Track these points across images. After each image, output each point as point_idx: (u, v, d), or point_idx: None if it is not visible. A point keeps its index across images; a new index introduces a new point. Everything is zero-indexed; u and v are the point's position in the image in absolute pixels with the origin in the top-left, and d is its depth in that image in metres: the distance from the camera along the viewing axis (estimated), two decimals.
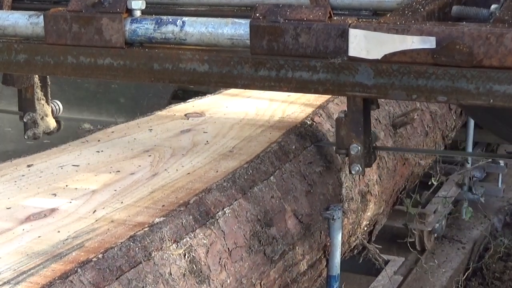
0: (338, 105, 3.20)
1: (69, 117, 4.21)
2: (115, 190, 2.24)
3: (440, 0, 2.15)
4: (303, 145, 2.76)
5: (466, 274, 4.66)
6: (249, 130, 2.85)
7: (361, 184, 3.06)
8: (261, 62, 2.02)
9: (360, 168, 2.21)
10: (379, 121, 3.36)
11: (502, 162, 5.28)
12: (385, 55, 1.89)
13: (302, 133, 2.83)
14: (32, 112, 2.85)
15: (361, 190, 3.06)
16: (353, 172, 2.22)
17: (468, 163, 5.21)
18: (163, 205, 2.10)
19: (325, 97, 3.24)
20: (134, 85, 4.96)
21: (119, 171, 2.40)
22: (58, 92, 4.39)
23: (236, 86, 2.14)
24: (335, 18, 2.00)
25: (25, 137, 2.89)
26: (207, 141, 2.71)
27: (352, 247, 3.24)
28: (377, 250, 3.48)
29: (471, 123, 5.06)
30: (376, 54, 1.90)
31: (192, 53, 2.10)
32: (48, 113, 2.91)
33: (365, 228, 3.29)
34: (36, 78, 2.82)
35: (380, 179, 3.26)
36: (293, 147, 2.69)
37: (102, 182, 2.31)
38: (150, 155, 2.57)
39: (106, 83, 4.96)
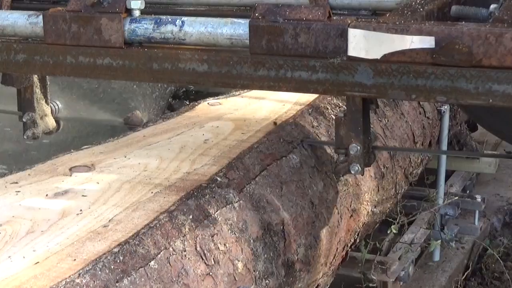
0: (262, 152, 2.67)
1: (69, 117, 4.22)
2: None
3: (439, 0, 2.15)
4: (205, 212, 2.23)
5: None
6: (140, 192, 2.30)
7: (286, 253, 2.51)
8: (260, 62, 2.02)
9: (359, 168, 2.21)
10: (317, 168, 2.83)
11: (478, 198, 4.71)
12: (384, 55, 1.89)
13: (206, 196, 2.29)
14: (31, 112, 2.85)
15: (287, 260, 2.51)
16: (352, 172, 2.22)
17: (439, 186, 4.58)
18: None
19: (241, 147, 2.68)
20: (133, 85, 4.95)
21: None
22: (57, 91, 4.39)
23: (235, 86, 2.14)
24: (334, 18, 2.00)
25: (25, 137, 2.90)
26: (81, 210, 2.15)
27: None
28: None
29: (444, 146, 4.54)
30: (375, 54, 1.90)
31: (191, 53, 2.10)
32: (47, 113, 2.91)
33: None
34: (35, 78, 2.83)
35: (316, 241, 2.72)
36: (191, 216, 2.16)
37: None
38: (0, 232, 2.02)
39: (105, 83, 4.96)
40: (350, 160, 2.21)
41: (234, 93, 3.55)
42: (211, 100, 3.39)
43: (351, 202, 3.08)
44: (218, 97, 3.49)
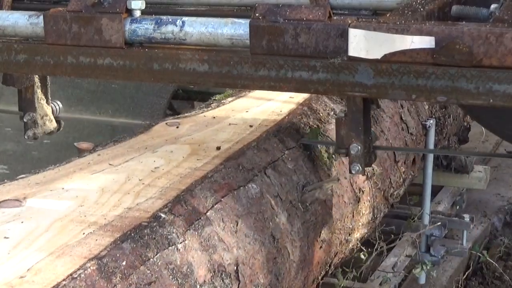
0: (217, 182, 2.40)
1: (69, 117, 4.22)
2: None
3: (440, 0, 2.15)
4: (142, 257, 1.97)
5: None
6: (71, 232, 2.02)
7: None
8: (261, 62, 2.02)
9: (360, 168, 2.21)
10: (280, 197, 2.58)
11: (467, 218, 4.42)
12: (385, 55, 1.89)
13: (145, 237, 2.02)
14: (32, 112, 2.85)
15: None
16: (353, 172, 2.22)
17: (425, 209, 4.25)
18: None
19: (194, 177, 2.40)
20: (133, 85, 4.96)
21: None
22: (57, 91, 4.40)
23: (235, 86, 2.14)
24: (334, 18, 2.00)
25: (25, 137, 2.89)
26: None
27: None
28: None
29: (429, 169, 4.20)
30: (376, 54, 1.90)
31: (192, 53, 2.10)
32: (48, 113, 2.91)
33: None
34: (36, 78, 2.83)
35: (278, 279, 2.48)
36: (124, 262, 1.90)
37: None
38: None
39: (105, 83, 4.97)
40: (350, 160, 2.21)
41: (197, 111, 3.23)
42: (169, 120, 3.09)
43: (320, 232, 2.82)
44: (179, 116, 3.19)
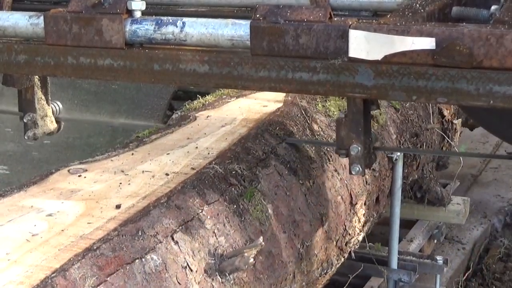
0: (104, 255, 1.96)
1: (70, 117, 4.22)
2: None
3: (440, 1, 2.15)
4: None
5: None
6: None
7: None
8: (261, 63, 2.02)
9: (360, 169, 2.21)
10: (190, 268, 2.17)
11: (440, 260, 3.92)
12: (385, 56, 1.89)
13: None
14: (32, 113, 2.85)
15: None
16: (353, 173, 2.21)
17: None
18: None
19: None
20: (134, 86, 4.97)
21: None
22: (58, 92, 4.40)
23: (236, 87, 2.14)
24: (335, 19, 2.00)
25: (25, 137, 2.89)
26: None
27: None
28: None
29: (396, 208, 3.68)
30: (376, 55, 1.90)
31: (192, 53, 2.10)
32: (48, 113, 2.91)
33: None
34: (36, 79, 2.83)
35: None
36: None
37: None
38: None
39: (106, 84, 4.97)
40: (351, 161, 2.21)
41: (111, 153, 2.77)
42: (74, 166, 2.61)
43: None
44: (88, 160, 2.70)
